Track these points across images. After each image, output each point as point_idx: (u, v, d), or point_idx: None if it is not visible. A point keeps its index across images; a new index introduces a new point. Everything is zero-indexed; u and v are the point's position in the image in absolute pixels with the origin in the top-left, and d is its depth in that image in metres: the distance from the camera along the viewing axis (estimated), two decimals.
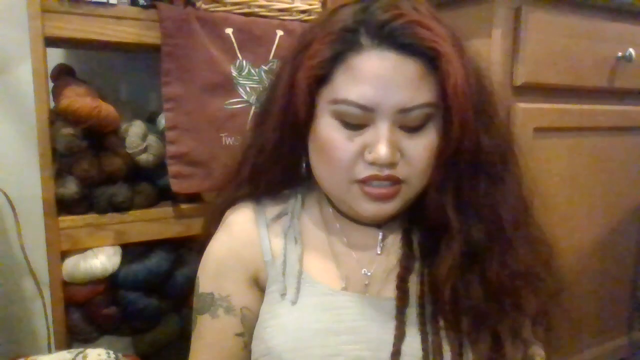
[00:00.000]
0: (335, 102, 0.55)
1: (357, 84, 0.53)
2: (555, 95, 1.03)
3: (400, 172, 0.55)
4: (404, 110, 0.53)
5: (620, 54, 1.08)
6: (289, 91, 0.59)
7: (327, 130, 0.57)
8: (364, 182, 0.56)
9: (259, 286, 0.64)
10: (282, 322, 0.58)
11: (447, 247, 0.57)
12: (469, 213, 0.57)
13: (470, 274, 0.57)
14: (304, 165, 0.65)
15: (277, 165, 0.65)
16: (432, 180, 0.57)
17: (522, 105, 0.96)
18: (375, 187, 0.56)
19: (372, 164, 0.55)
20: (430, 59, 0.53)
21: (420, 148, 0.55)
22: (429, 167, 0.56)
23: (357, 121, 0.55)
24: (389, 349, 0.55)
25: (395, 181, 0.56)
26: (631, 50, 1.08)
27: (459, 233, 0.56)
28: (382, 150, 0.53)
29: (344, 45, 0.54)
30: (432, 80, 0.54)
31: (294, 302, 0.59)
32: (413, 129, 0.55)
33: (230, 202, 0.69)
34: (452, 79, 0.52)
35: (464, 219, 0.57)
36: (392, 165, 0.54)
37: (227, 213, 0.68)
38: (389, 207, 0.57)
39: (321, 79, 0.57)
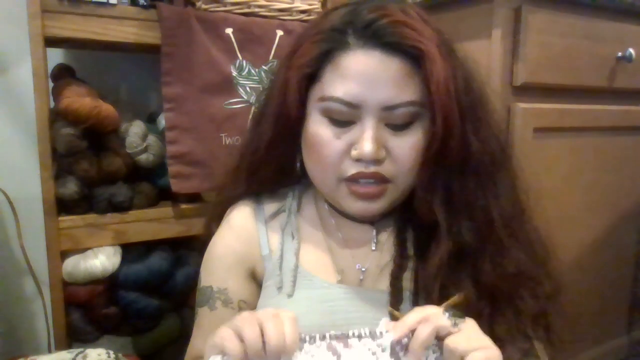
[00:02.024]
0: (323, 99, 0.57)
1: (344, 81, 0.55)
2: (555, 95, 1.03)
3: (386, 170, 0.56)
4: (389, 108, 0.55)
5: (620, 54, 1.08)
6: (283, 90, 0.61)
7: (316, 127, 0.58)
8: (351, 180, 0.57)
9: (257, 280, 0.65)
10: None
11: (436, 246, 0.57)
12: (459, 213, 0.58)
13: (461, 273, 0.57)
14: (299, 164, 0.66)
15: (272, 164, 0.66)
16: (420, 179, 0.58)
17: (522, 105, 0.96)
18: (362, 185, 0.57)
19: (358, 160, 0.56)
20: (414, 58, 0.55)
21: (407, 147, 0.57)
22: (415, 166, 0.57)
23: (344, 118, 0.57)
24: None
25: (381, 179, 0.57)
26: (631, 50, 1.08)
27: (448, 232, 0.57)
28: (367, 146, 0.54)
29: (332, 44, 0.57)
30: (417, 80, 0.55)
31: (290, 295, 0.60)
32: (399, 128, 0.57)
33: (230, 201, 0.71)
34: (434, 77, 0.53)
35: (453, 219, 0.58)
36: (377, 161, 0.56)
37: (228, 211, 0.70)
38: (376, 206, 0.59)
39: (311, 78, 0.59)
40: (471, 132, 0.58)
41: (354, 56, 0.55)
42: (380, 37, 0.54)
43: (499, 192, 0.59)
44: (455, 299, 0.51)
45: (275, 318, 0.44)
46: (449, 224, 0.57)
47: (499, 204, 0.59)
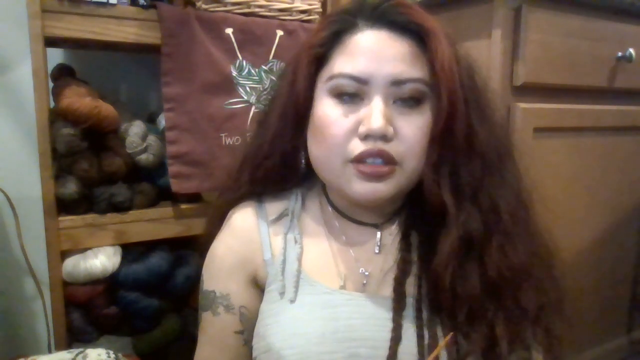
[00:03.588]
0: (332, 77, 0.58)
1: (352, 58, 0.57)
2: (555, 95, 1.03)
3: (393, 149, 0.56)
4: (397, 82, 0.56)
5: (620, 54, 1.08)
6: (293, 73, 0.62)
7: (323, 108, 0.59)
8: (357, 160, 0.56)
9: (259, 285, 0.65)
10: (280, 320, 0.59)
11: (445, 235, 0.57)
12: (466, 201, 0.58)
13: (469, 264, 0.57)
14: (303, 162, 0.65)
15: (275, 158, 0.65)
16: (428, 161, 0.57)
17: (522, 105, 0.96)
18: (369, 165, 0.56)
19: (366, 137, 0.55)
20: (421, 39, 0.56)
21: (414, 127, 0.56)
22: (422, 148, 0.57)
23: (351, 95, 0.57)
24: (385, 346, 0.55)
25: (388, 159, 0.56)
26: (631, 50, 1.08)
27: (456, 219, 0.57)
28: (375, 120, 0.54)
29: (342, 25, 0.59)
30: (424, 61, 0.57)
31: (292, 301, 0.59)
32: (407, 106, 0.57)
33: (232, 202, 0.70)
34: (439, 55, 0.55)
35: (461, 206, 0.57)
36: (384, 138, 0.55)
37: (230, 213, 0.69)
38: (383, 188, 0.57)
39: (320, 61, 0.60)
40: (476, 121, 0.58)
41: (362, 35, 0.57)
42: (387, 17, 0.57)
43: (505, 184, 0.60)
44: (446, 340, 0.52)
45: None
46: (457, 211, 0.57)
47: (504, 195, 0.59)
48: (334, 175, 0.59)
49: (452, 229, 0.57)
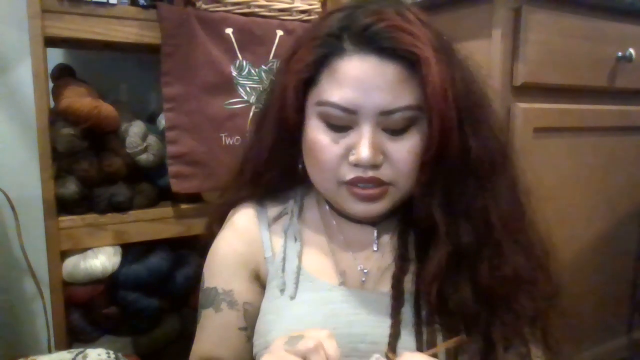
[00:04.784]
0: (320, 104, 0.57)
1: (340, 87, 0.55)
2: (555, 95, 1.03)
3: (384, 174, 0.57)
4: (385, 113, 0.55)
5: (620, 54, 1.08)
6: (281, 95, 0.61)
7: (314, 132, 0.59)
8: (350, 183, 0.57)
9: (260, 282, 0.66)
10: (281, 317, 0.59)
11: (434, 249, 0.57)
12: (458, 216, 0.58)
13: (459, 276, 0.57)
14: (300, 166, 0.66)
15: (275, 168, 0.67)
16: (418, 182, 0.58)
17: (522, 105, 0.96)
18: (362, 187, 0.57)
19: (355, 165, 0.56)
20: (411, 62, 0.54)
21: (404, 151, 0.56)
22: (414, 169, 0.57)
23: (341, 123, 0.57)
24: (384, 342, 0.56)
25: (379, 184, 0.57)
26: (631, 50, 1.08)
27: (447, 235, 0.57)
28: (364, 151, 0.55)
29: (328, 49, 0.57)
30: (414, 84, 0.55)
31: (292, 297, 0.60)
32: (397, 132, 0.57)
33: (233, 203, 0.71)
34: (430, 82, 0.53)
35: (452, 222, 0.57)
36: (374, 166, 0.56)
37: (231, 213, 0.70)
38: (378, 207, 0.59)
39: (309, 82, 0.59)
40: (470, 135, 0.57)
41: (349, 62, 0.55)
42: (375, 42, 0.54)
43: (499, 195, 0.59)
44: (453, 341, 0.52)
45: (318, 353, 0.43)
46: (447, 227, 0.57)
47: (498, 207, 0.59)
48: (330, 193, 0.61)
49: (442, 245, 0.57)
